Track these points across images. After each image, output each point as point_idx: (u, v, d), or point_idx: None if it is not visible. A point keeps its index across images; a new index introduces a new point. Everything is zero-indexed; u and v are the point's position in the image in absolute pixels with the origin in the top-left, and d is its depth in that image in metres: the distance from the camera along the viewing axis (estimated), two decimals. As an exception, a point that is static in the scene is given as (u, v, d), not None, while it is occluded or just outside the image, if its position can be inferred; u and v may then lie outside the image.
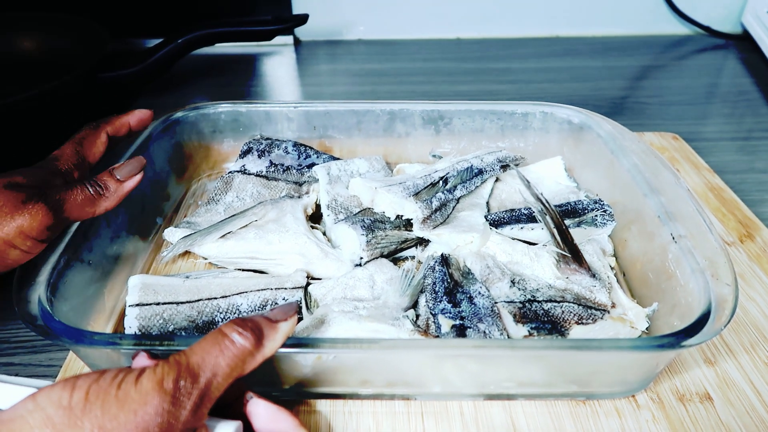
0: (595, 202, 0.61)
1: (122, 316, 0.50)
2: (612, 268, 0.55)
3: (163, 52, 0.89)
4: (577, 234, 0.57)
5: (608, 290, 0.51)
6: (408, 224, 0.58)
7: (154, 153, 0.64)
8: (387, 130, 0.71)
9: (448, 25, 1.20)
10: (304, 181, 0.67)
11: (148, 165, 0.61)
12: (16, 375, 0.49)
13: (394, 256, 0.59)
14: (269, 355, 0.37)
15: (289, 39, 1.18)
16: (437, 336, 0.47)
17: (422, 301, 0.51)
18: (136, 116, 0.55)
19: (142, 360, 0.39)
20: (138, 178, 0.49)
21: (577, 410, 0.46)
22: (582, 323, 0.48)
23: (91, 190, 0.46)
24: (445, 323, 0.47)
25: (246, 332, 0.35)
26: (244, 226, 0.58)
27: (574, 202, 0.61)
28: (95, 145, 0.51)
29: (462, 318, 0.47)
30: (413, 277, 0.52)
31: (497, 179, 0.67)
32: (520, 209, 0.60)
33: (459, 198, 0.62)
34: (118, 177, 0.48)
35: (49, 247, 0.46)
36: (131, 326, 0.48)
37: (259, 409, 0.38)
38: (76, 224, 0.49)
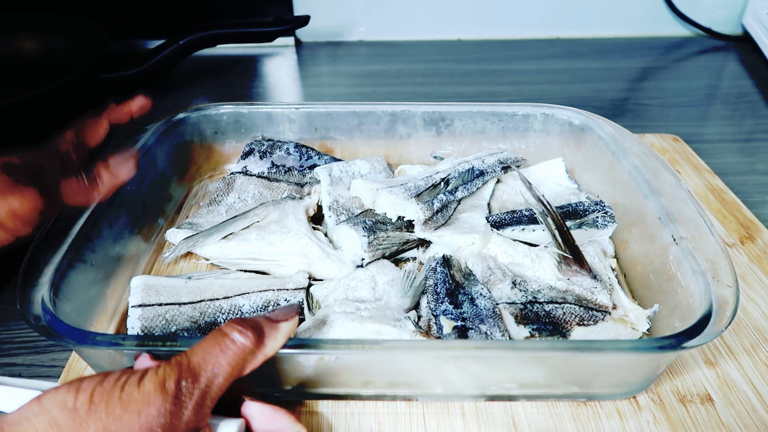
0: (596, 204, 0.61)
1: (125, 316, 0.51)
2: (613, 270, 0.55)
3: (165, 54, 0.89)
4: (578, 235, 0.57)
5: (609, 291, 0.51)
6: (409, 225, 0.58)
7: (157, 154, 0.64)
8: (388, 132, 0.71)
9: (449, 27, 1.20)
10: (306, 183, 0.67)
11: (150, 166, 0.62)
12: (20, 375, 0.49)
13: (395, 258, 0.59)
14: (271, 354, 0.37)
15: (291, 40, 1.18)
16: (439, 337, 0.47)
17: (424, 302, 0.51)
18: (137, 104, 0.55)
19: (145, 361, 0.39)
20: (130, 170, 0.48)
21: (579, 411, 0.46)
22: (583, 324, 0.49)
23: (85, 179, 0.45)
24: (447, 324, 0.47)
25: (246, 331, 0.35)
26: (245, 228, 0.58)
27: (575, 204, 0.61)
28: (96, 131, 0.51)
29: (464, 319, 0.47)
30: (415, 278, 0.52)
31: (498, 180, 0.67)
32: (521, 211, 0.60)
33: (460, 199, 0.62)
34: (112, 168, 0.47)
35: (51, 248, 0.46)
36: (134, 327, 0.48)
37: (252, 410, 0.38)
38: (79, 225, 0.49)
